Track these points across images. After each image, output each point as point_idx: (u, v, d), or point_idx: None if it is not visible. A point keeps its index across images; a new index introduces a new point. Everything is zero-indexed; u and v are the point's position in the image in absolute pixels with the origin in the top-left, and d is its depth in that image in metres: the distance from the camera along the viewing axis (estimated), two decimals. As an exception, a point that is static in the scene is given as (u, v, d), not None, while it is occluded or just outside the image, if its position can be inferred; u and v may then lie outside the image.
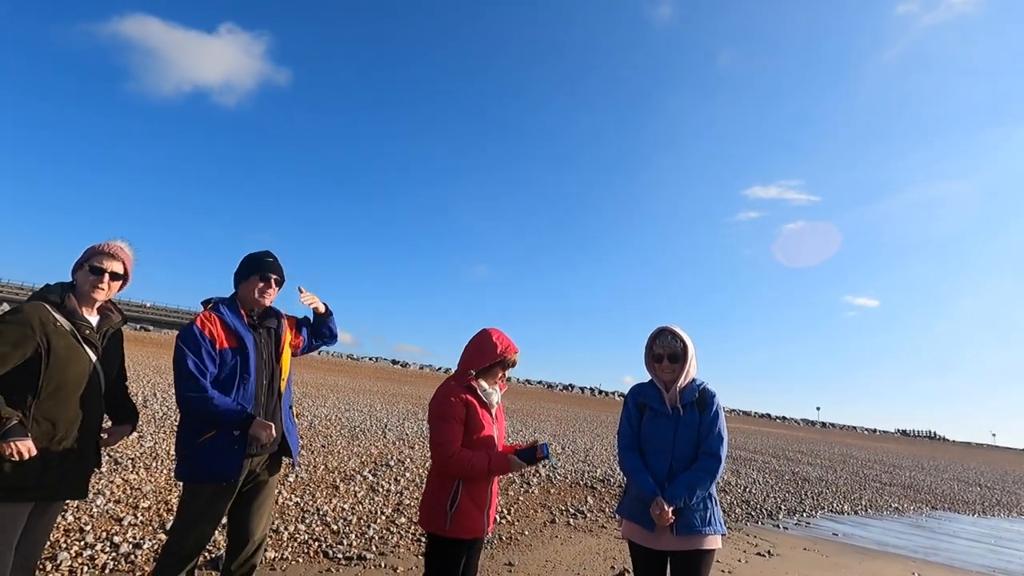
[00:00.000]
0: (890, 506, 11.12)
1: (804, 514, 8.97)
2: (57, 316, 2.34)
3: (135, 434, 7.70)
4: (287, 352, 2.94)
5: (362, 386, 27.63)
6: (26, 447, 2.16)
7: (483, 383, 2.65)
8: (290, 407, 2.95)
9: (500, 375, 2.73)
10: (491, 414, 2.69)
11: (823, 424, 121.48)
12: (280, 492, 5.79)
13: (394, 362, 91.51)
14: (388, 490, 6.62)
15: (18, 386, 2.23)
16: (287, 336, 2.95)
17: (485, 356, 2.63)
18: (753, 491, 10.42)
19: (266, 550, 4.12)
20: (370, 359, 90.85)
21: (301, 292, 3.01)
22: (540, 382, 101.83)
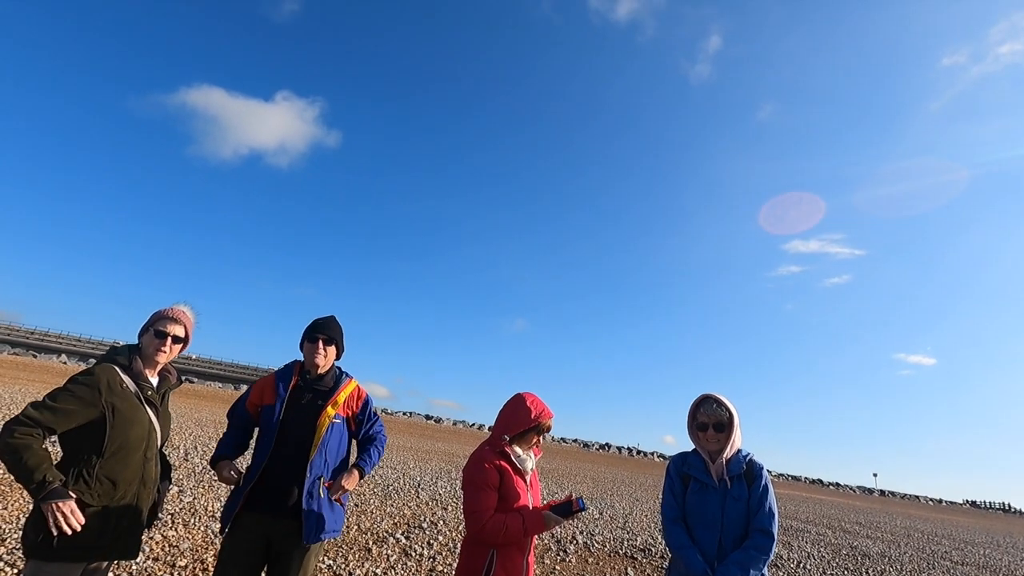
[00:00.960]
0: (964, 589, 10.10)
1: (866, 595, 8.23)
2: (124, 378, 2.47)
3: (175, 488, 7.80)
4: (322, 423, 2.79)
5: (395, 442, 27.45)
6: (68, 508, 2.16)
7: (517, 449, 2.62)
8: (318, 478, 2.74)
9: (535, 440, 2.69)
10: (525, 480, 2.63)
11: (881, 492, 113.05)
12: (313, 553, 5.71)
13: (428, 417, 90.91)
14: (421, 554, 6.45)
15: (84, 446, 2.34)
16: (333, 405, 2.86)
17: (520, 422, 2.60)
18: (808, 567, 9.68)
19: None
20: (404, 413, 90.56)
21: (328, 487, 2.80)
22: (576, 440, 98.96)
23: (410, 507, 9.57)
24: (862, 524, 21.89)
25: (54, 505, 2.16)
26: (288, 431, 2.77)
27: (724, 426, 2.56)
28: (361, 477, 2.90)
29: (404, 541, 6.96)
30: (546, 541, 8.30)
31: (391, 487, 11.52)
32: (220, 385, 60.95)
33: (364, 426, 3.02)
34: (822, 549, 12.34)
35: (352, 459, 3.02)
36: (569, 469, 28.53)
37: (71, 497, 2.24)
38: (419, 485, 12.55)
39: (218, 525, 2.80)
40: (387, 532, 7.33)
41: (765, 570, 2.44)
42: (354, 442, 3.06)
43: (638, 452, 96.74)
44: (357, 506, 8.84)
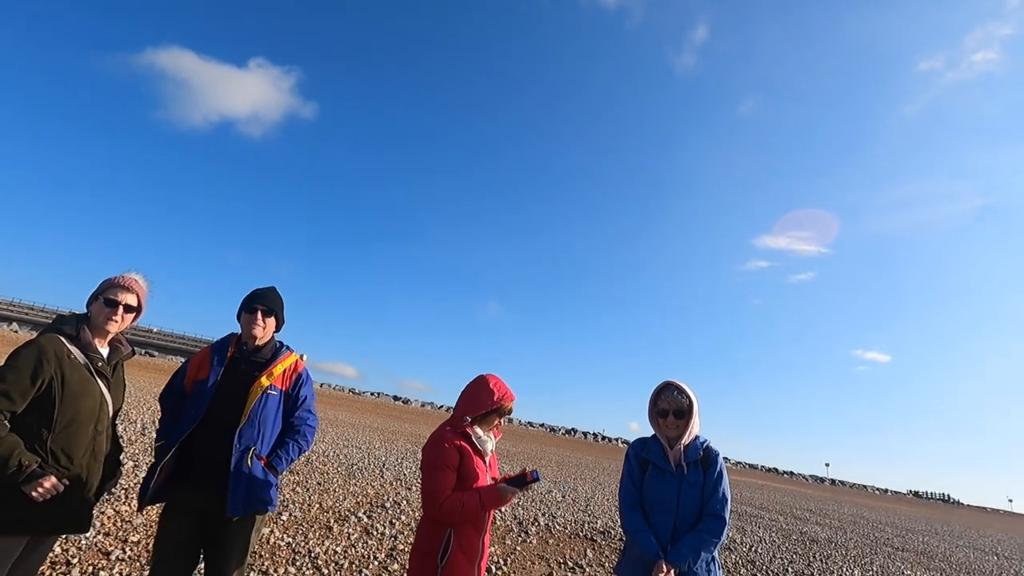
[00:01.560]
0: (902, 573, 10.66)
1: (812, 578, 8.60)
2: (72, 348, 2.37)
3: (130, 463, 7.61)
4: (254, 392, 2.69)
5: (362, 422, 27.31)
6: (51, 484, 2.17)
7: (478, 430, 2.61)
8: (247, 449, 2.64)
9: (496, 422, 2.69)
10: (485, 462, 2.63)
11: (832, 481, 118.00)
12: (272, 531, 5.65)
13: (395, 398, 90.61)
14: (383, 533, 6.45)
15: (33, 421, 2.24)
16: (268, 376, 2.76)
17: (481, 403, 2.60)
18: (759, 551, 10.05)
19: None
20: (372, 394, 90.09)
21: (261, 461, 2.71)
22: (543, 425, 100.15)
23: (373, 487, 9.56)
24: (812, 511, 22.82)
25: (38, 486, 2.14)
26: (220, 402, 2.65)
27: (684, 413, 2.61)
28: (275, 475, 2.73)
29: (366, 520, 6.95)
30: (508, 522, 8.41)
31: (355, 467, 11.47)
32: (182, 359, 59.44)
33: (293, 404, 2.87)
34: (773, 534, 12.83)
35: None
36: (535, 453, 28.88)
37: (49, 475, 2.19)
38: (384, 465, 12.53)
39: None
40: (349, 511, 7.31)
41: (716, 553, 2.51)
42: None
43: (603, 438, 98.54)
44: (320, 484, 8.78)
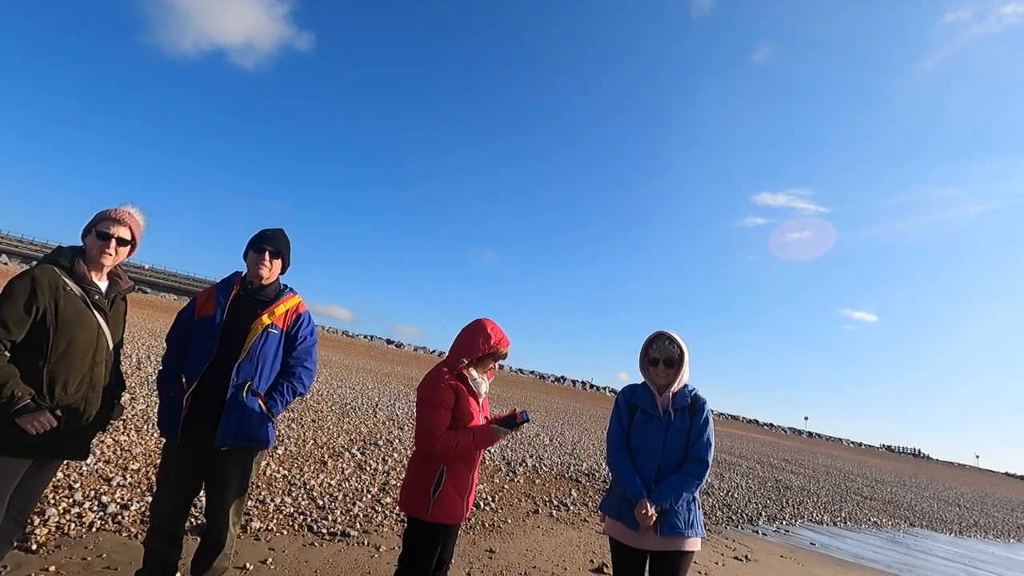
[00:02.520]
0: (869, 520, 11.24)
1: (784, 522, 9.07)
2: (67, 280, 2.36)
3: (128, 396, 7.74)
4: (254, 329, 2.75)
5: (356, 364, 27.73)
6: (45, 420, 2.20)
7: (474, 372, 2.67)
8: (243, 384, 2.70)
9: (491, 366, 2.76)
10: (479, 403, 2.71)
11: (810, 434, 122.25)
12: (268, 464, 5.84)
13: (389, 342, 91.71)
14: (375, 469, 6.68)
15: (27, 351, 2.26)
16: (269, 315, 2.80)
17: (478, 346, 2.65)
18: (735, 496, 10.53)
19: (251, 520, 4.17)
20: (365, 337, 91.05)
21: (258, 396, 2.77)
22: (532, 372, 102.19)
23: (367, 425, 9.81)
24: (788, 461, 23.78)
25: (31, 422, 2.17)
26: (225, 339, 2.71)
27: (674, 362, 2.66)
28: (271, 416, 2.77)
29: (359, 456, 7.17)
30: (496, 462, 8.72)
31: (349, 406, 11.74)
32: (175, 297, 59.51)
33: (292, 345, 2.90)
34: (750, 481, 13.41)
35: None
36: (524, 398, 29.60)
37: (44, 409, 2.21)
38: (377, 405, 12.82)
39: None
40: (343, 447, 7.53)
41: (697, 493, 2.63)
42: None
43: (591, 386, 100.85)
44: (314, 422, 9.01)
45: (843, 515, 11.09)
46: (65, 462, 4.39)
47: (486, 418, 2.73)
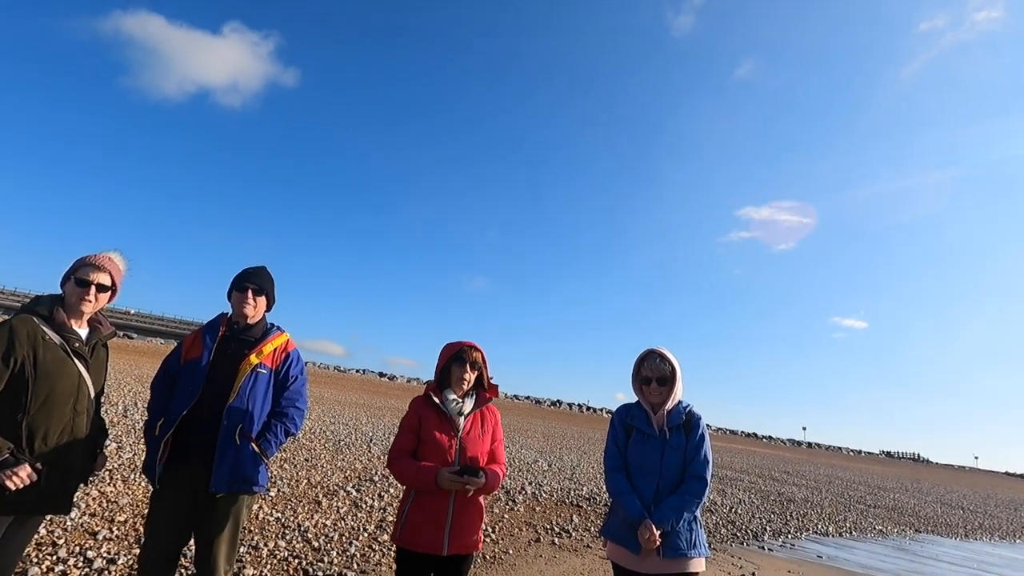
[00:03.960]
0: (874, 528, 11.14)
1: (789, 536, 8.96)
2: (46, 330, 2.31)
3: (114, 444, 7.54)
4: (242, 370, 2.67)
5: (348, 399, 27.35)
6: (25, 474, 2.13)
7: (448, 394, 2.63)
8: (235, 427, 2.60)
9: (465, 376, 2.63)
10: (455, 425, 2.59)
11: (809, 444, 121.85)
12: (260, 507, 5.68)
13: (382, 375, 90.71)
14: (372, 506, 6.53)
15: (5, 403, 2.19)
16: (257, 354, 2.73)
17: (440, 360, 2.69)
18: (739, 512, 10.40)
19: (243, 567, 4.04)
20: (357, 371, 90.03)
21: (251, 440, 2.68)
22: (528, 397, 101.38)
23: (361, 461, 9.63)
24: (789, 473, 23.62)
25: (7, 475, 2.10)
26: (213, 381, 2.64)
27: (666, 380, 2.65)
28: (265, 458, 2.68)
29: (355, 493, 7.02)
30: (496, 492, 8.56)
31: (342, 442, 11.53)
32: (162, 341, 58.62)
33: (283, 384, 2.82)
34: (753, 496, 13.27)
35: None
36: (521, 424, 29.29)
37: (24, 463, 2.14)
38: (371, 440, 12.61)
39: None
40: (338, 485, 7.37)
41: (698, 512, 2.59)
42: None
43: (588, 408, 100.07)
44: (307, 461, 8.82)
45: (848, 525, 10.98)
46: (48, 517, 4.25)
47: (471, 448, 2.58)
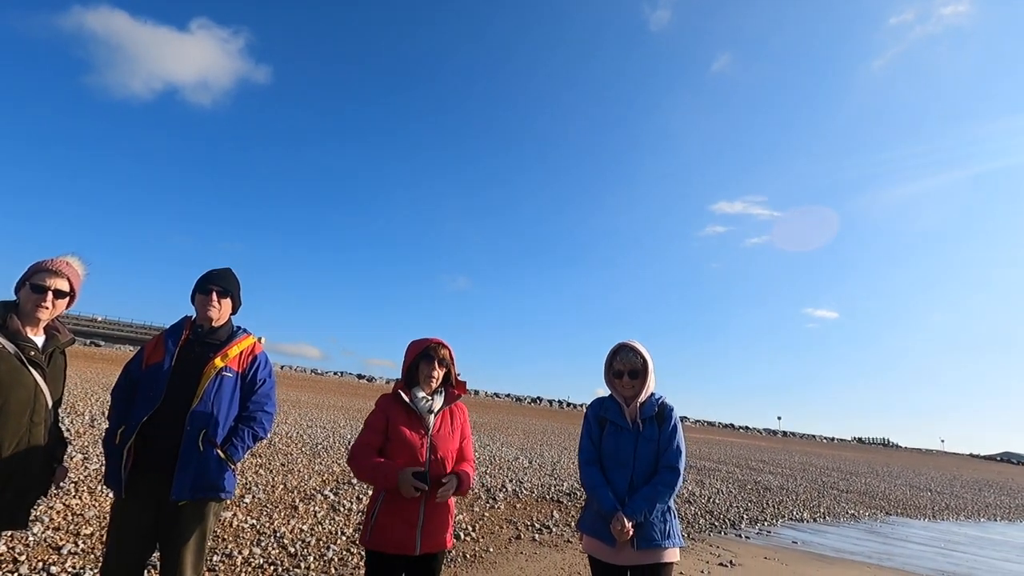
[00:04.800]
0: (847, 513, 11.44)
1: (765, 523, 9.14)
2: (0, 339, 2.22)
3: (79, 455, 7.31)
4: (206, 374, 2.59)
5: (326, 402, 27.01)
6: None
7: (417, 392, 2.61)
8: (199, 432, 2.51)
9: (434, 374, 2.61)
10: (425, 423, 2.57)
11: (784, 433, 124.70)
12: (235, 514, 5.57)
13: (360, 376, 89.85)
14: (350, 509, 6.45)
15: None
16: (222, 357, 2.65)
17: (407, 358, 2.66)
18: (716, 501, 10.57)
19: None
20: (334, 373, 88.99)
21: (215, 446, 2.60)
22: (508, 395, 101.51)
23: (339, 464, 9.50)
24: (765, 462, 24.11)
25: None
26: (176, 385, 2.55)
27: (638, 373, 2.67)
28: (231, 464, 2.60)
29: (333, 497, 6.92)
30: (476, 490, 8.54)
31: (320, 446, 11.37)
32: (131, 348, 57.08)
33: (250, 388, 2.74)
34: (730, 485, 13.51)
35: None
36: (501, 422, 29.31)
37: None
38: (349, 443, 12.46)
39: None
40: (315, 489, 7.26)
41: (672, 503, 2.61)
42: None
43: (568, 404, 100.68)
44: (283, 465, 8.67)
45: (822, 510, 11.26)
46: (10, 534, 4.09)
47: (442, 447, 2.57)
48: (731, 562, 6.18)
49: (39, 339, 2.37)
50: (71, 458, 7.05)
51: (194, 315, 2.77)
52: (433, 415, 2.62)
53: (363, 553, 4.89)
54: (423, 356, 2.62)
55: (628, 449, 2.60)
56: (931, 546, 8.91)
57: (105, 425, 9.39)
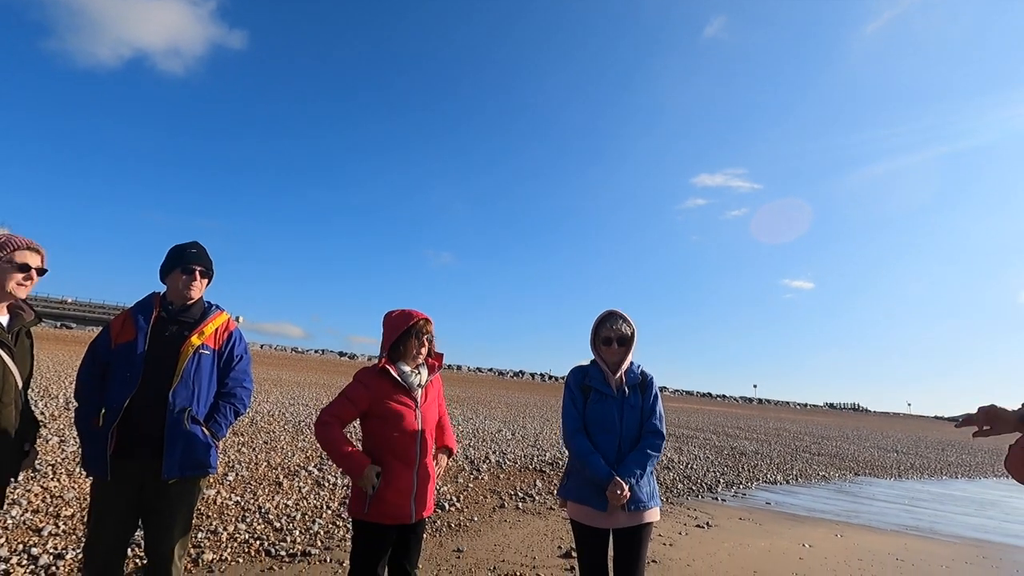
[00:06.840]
0: (818, 474, 11.88)
1: (741, 486, 9.45)
2: None
3: (55, 438, 7.19)
4: (184, 352, 2.54)
5: (308, 379, 26.89)
6: None
7: (403, 366, 2.60)
8: (182, 411, 2.49)
9: (421, 349, 2.65)
10: (413, 398, 2.60)
11: (760, 401, 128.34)
12: (219, 492, 5.56)
13: (342, 354, 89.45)
14: (334, 484, 6.49)
15: None
16: (199, 335, 2.60)
17: (392, 332, 2.61)
18: (694, 467, 10.88)
19: (203, 552, 3.96)
20: (316, 351, 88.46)
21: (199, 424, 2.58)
22: (491, 369, 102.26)
23: (323, 441, 9.52)
24: (741, 428, 24.82)
25: None
26: (153, 365, 2.50)
27: (626, 340, 2.70)
28: (216, 441, 2.61)
29: (317, 473, 6.95)
30: (460, 462, 8.65)
31: (303, 423, 11.36)
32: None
33: (227, 365, 2.72)
34: (707, 451, 13.91)
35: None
36: (484, 396, 29.58)
37: None
38: (333, 419, 12.46)
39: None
40: (299, 466, 7.27)
41: (655, 464, 2.69)
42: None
43: (550, 377, 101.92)
44: (267, 443, 8.66)
45: (794, 473, 11.67)
46: (-15, 517, 4.02)
47: (426, 421, 2.64)
48: (708, 523, 6.40)
49: (3, 318, 2.30)
50: (46, 441, 6.93)
51: (163, 291, 2.70)
52: (421, 388, 2.65)
53: (349, 526, 4.94)
54: (411, 333, 2.61)
55: (614, 416, 2.64)
56: (896, 503, 9.33)
57: (80, 407, 9.22)
